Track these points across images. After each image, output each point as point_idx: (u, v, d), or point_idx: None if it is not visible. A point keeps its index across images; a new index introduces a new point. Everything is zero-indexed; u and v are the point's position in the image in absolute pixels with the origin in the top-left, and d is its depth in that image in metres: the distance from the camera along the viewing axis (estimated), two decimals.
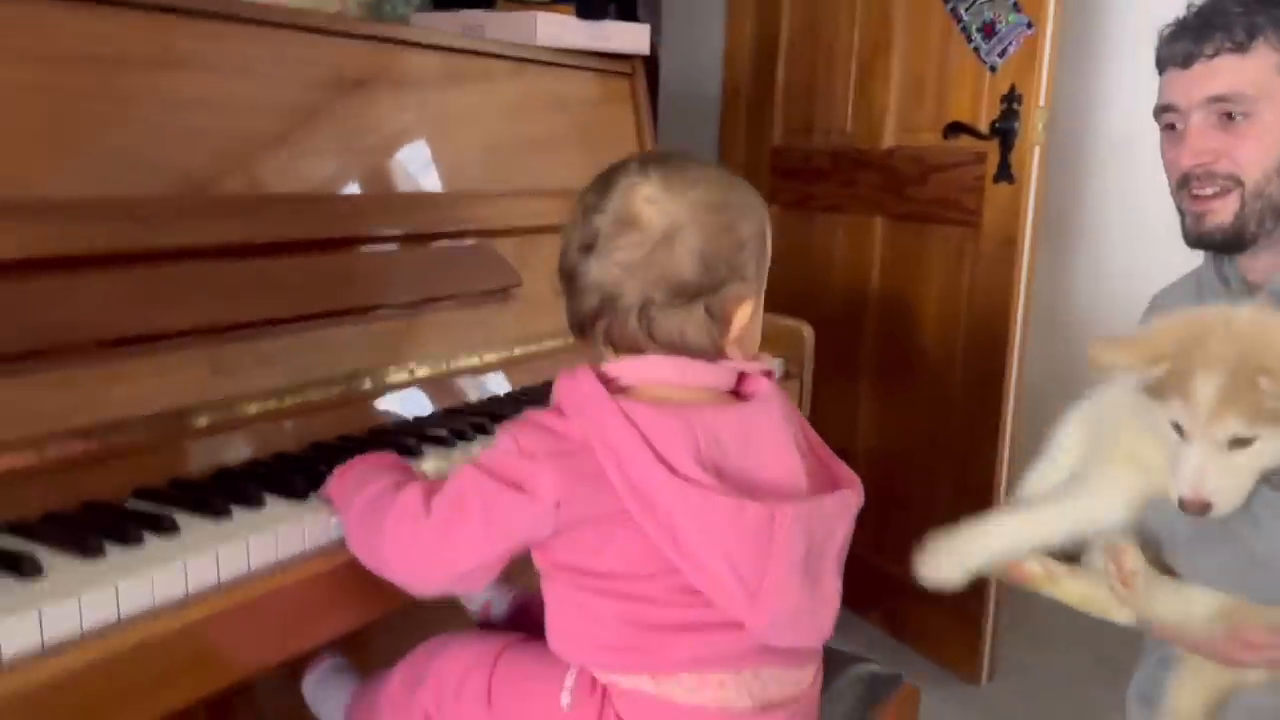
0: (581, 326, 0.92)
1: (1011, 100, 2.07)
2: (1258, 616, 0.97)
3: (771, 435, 0.90)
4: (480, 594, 1.18)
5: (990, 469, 2.20)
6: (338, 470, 0.95)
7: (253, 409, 1.05)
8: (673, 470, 0.81)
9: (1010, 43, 2.07)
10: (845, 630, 1.06)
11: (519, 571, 0.92)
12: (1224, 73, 1.12)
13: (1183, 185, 1.17)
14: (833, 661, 1.16)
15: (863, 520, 2.49)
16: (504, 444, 0.85)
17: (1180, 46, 1.15)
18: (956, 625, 2.32)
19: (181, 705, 0.79)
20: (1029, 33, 2.04)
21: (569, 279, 0.91)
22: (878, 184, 2.42)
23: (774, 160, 2.75)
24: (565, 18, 1.62)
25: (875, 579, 2.40)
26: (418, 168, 1.35)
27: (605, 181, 0.91)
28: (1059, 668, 2.28)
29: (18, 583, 0.76)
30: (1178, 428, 0.92)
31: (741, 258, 0.89)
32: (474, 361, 1.32)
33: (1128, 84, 2.34)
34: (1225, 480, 0.90)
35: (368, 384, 1.18)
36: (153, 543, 0.84)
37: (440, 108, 1.40)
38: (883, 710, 1.15)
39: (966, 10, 2.15)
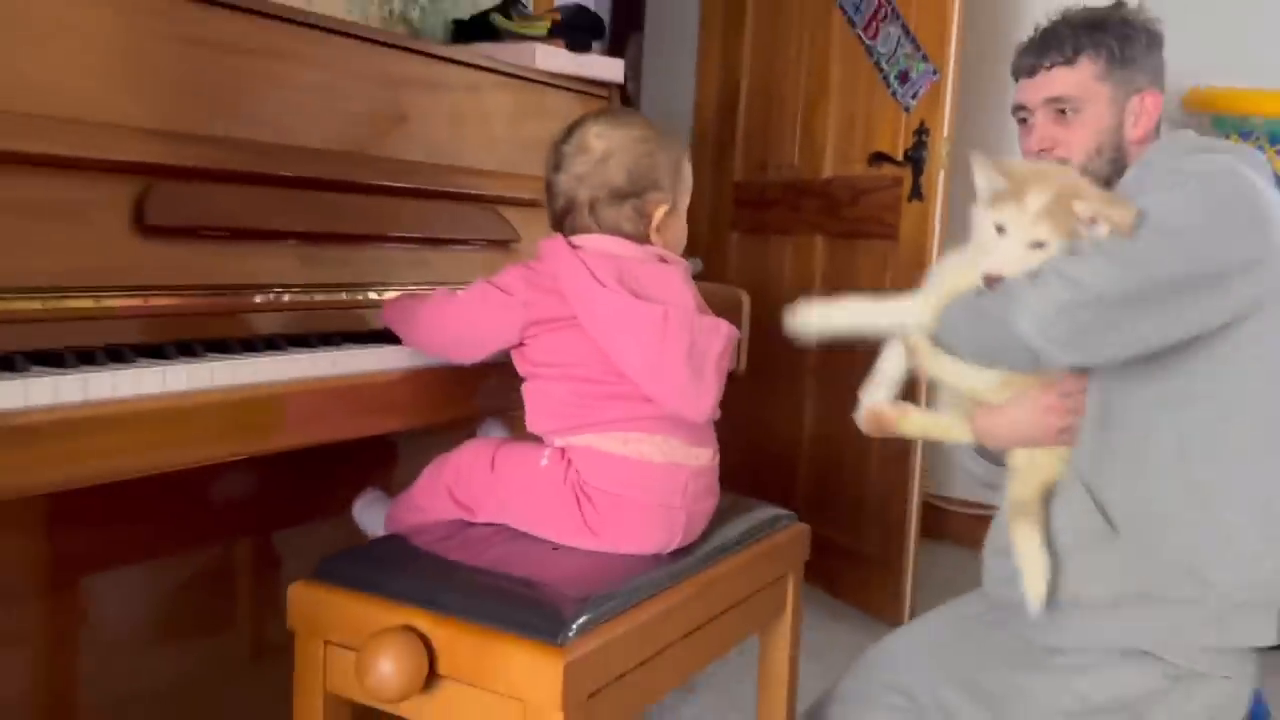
0: (558, 222, 1.38)
1: (922, 133, 2.54)
2: (1025, 381, 1.34)
3: (673, 282, 1.35)
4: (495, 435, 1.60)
5: (907, 443, 2.61)
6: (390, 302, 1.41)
7: (325, 296, 1.48)
8: (601, 284, 1.26)
9: (920, 87, 2.55)
10: None
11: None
12: (1057, 80, 1.40)
13: None
14: (741, 503, 1.56)
15: (805, 495, 2.89)
16: (502, 271, 1.33)
17: (1027, 60, 1.44)
18: (881, 579, 2.70)
19: (275, 449, 1.20)
20: (935, 79, 2.52)
21: (548, 188, 1.39)
22: (819, 208, 2.88)
23: (736, 194, 3.21)
24: (557, 49, 2.08)
25: (817, 546, 2.78)
26: (445, 146, 1.80)
27: (571, 126, 1.40)
28: None
29: (170, 361, 1.16)
30: (1000, 229, 1.29)
31: (657, 174, 1.36)
32: None
33: None
34: (1018, 268, 1.27)
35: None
36: (266, 353, 1.26)
37: (462, 106, 1.86)
38: (773, 539, 1.53)
39: (886, 63, 2.64)
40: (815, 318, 1.41)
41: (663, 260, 1.36)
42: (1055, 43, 1.41)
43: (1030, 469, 1.38)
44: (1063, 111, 1.41)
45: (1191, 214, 1.25)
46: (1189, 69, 2.66)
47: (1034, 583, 1.30)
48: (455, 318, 1.33)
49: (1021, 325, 1.23)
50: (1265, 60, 2.70)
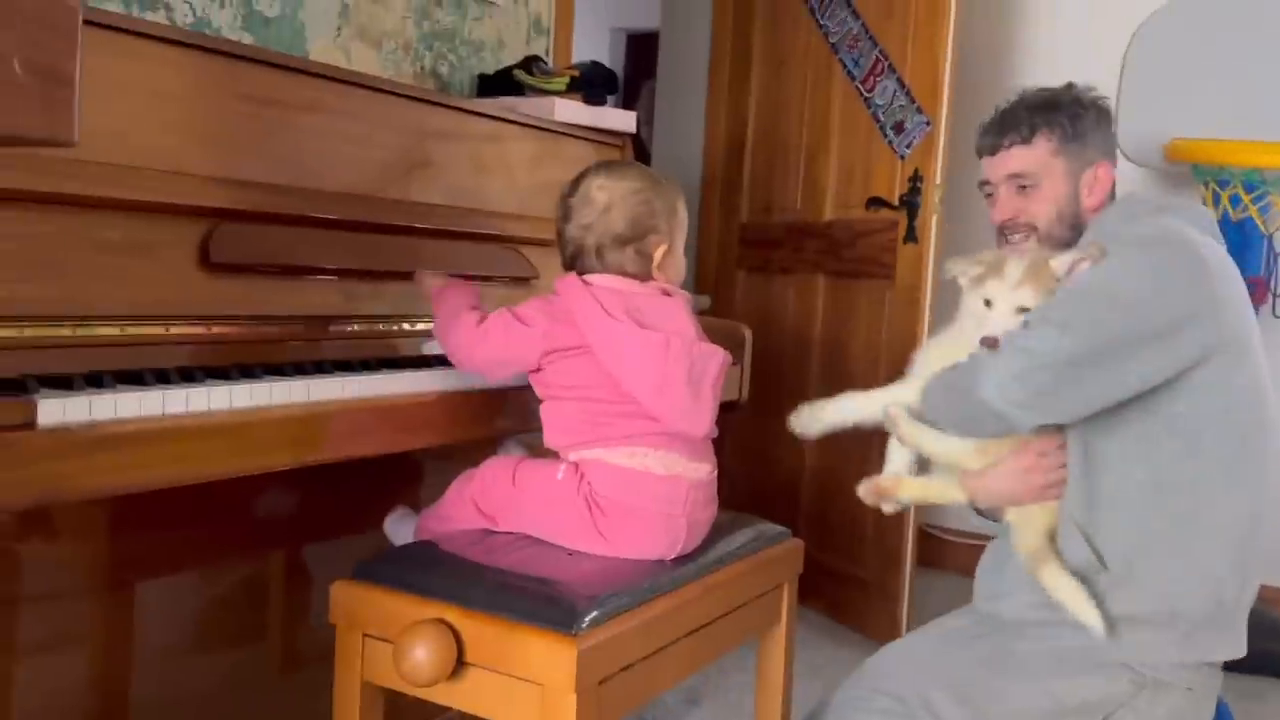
0: (569, 266, 1.55)
1: (916, 180, 2.70)
2: (999, 446, 1.45)
3: (675, 313, 1.50)
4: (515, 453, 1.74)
5: None
6: (437, 287, 1.59)
7: (364, 326, 1.64)
8: (611, 316, 1.42)
9: (915, 136, 2.71)
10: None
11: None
12: (1016, 158, 1.53)
13: (1000, 234, 1.64)
14: (742, 519, 1.71)
15: (808, 523, 3.03)
16: (524, 304, 1.49)
17: (987, 140, 1.57)
18: (879, 603, 2.82)
19: (324, 460, 1.35)
20: (928, 129, 2.68)
21: (558, 236, 1.56)
22: (820, 249, 3.03)
23: (742, 234, 3.37)
24: (575, 103, 2.25)
25: (818, 571, 2.91)
26: (471, 191, 1.97)
27: (576, 179, 1.57)
28: None
29: (234, 381, 1.32)
30: (988, 303, 1.40)
31: (655, 220, 1.52)
32: None
33: None
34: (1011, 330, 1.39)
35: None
36: (315, 375, 1.42)
37: (489, 155, 2.02)
38: (770, 552, 1.67)
39: (883, 113, 2.81)
40: (813, 417, 1.55)
41: (666, 294, 1.51)
42: (1013, 123, 1.54)
43: (1026, 523, 1.48)
44: (1023, 186, 1.53)
45: (1130, 279, 1.37)
46: (1170, 121, 2.83)
47: (1083, 611, 1.37)
48: (484, 343, 1.49)
49: (984, 394, 1.35)
50: (1242, 112, 2.85)
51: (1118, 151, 1.59)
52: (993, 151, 1.57)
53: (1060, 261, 1.40)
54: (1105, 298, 1.36)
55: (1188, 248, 1.38)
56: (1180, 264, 1.37)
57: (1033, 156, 1.53)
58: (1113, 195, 1.57)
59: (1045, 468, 1.45)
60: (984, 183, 1.61)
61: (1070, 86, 1.57)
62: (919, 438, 1.49)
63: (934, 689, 1.49)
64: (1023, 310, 1.39)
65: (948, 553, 3.37)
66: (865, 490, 1.56)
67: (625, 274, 1.50)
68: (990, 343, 1.38)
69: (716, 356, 1.50)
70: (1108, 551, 1.41)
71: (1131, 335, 1.34)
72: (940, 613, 1.67)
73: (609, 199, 1.50)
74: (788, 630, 1.71)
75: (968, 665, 1.51)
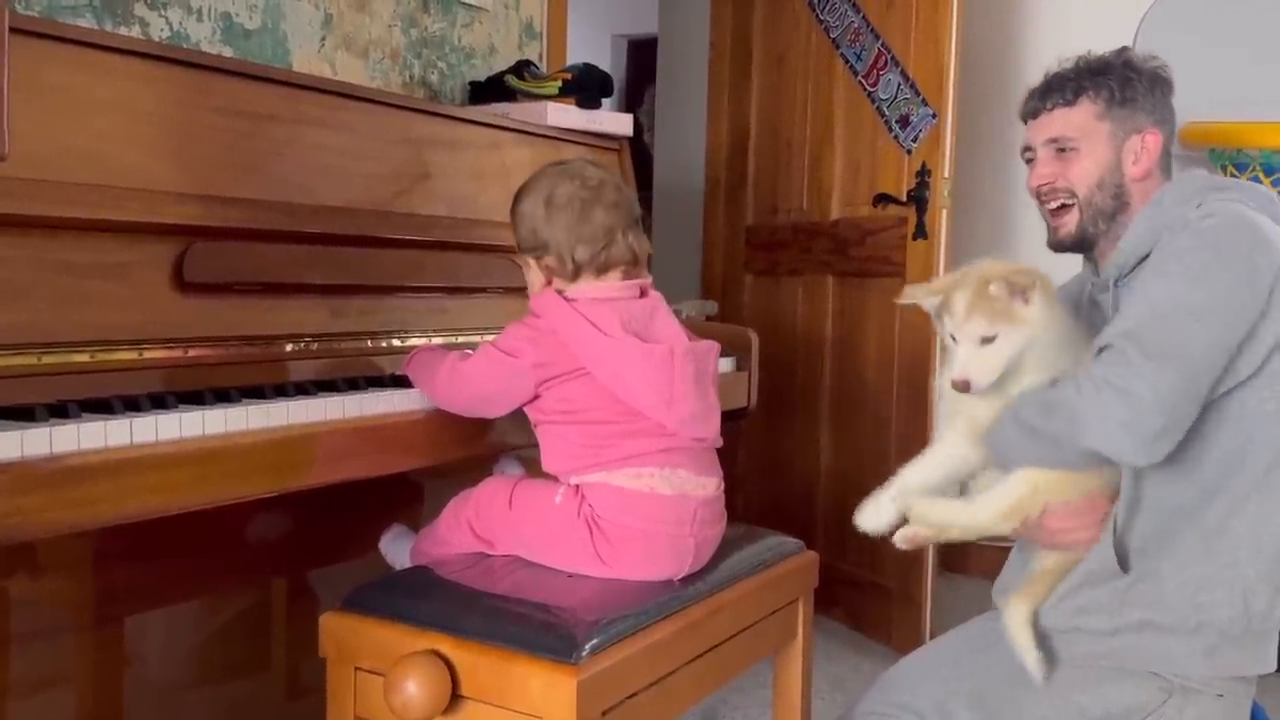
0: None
1: (924, 174, 2.62)
2: (1035, 502, 1.36)
3: (664, 315, 1.44)
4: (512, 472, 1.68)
5: None
6: (412, 353, 1.50)
7: (351, 344, 1.58)
8: (606, 334, 1.34)
9: (921, 130, 2.64)
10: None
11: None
12: (1058, 120, 1.46)
13: (1039, 201, 1.56)
14: (752, 532, 1.63)
15: (825, 530, 2.95)
16: (505, 334, 1.40)
17: (1032, 104, 1.50)
18: (901, 611, 2.74)
19: (308, 485, 1.28)
20: (934, 122, 2.60)
21: (527, 270, 1.48)
22: (828, 249, 2.96)
23: (748, 236, 3.30)
24: (568, 107, 2.19)
25: (837, 579, 2.84)
26: (464, 200, 1.90)
27: (514, 211, 1.51)
28: None
29: (208, 406, 1.26)
30: (953, 338, 1.35)
31: (606, 219, 1.42)
32: None
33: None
34: (980, 366, 1.32)
35: (430, 340, 1.70)
36: (297, 397, 1.35)
37: (480, 163, 1.96)
38: (783, 566, 1.59)
39: (888, 107, 2.73)
40: (877, 511, 1.42)
41: (643, 293, 1.45)
42: (1058, 85, 1.48)
43: (1063, 562, 1.41)
44: (1063, 149, 1.47)
45: (1203, 283, 1.29)
46: (1185, 104, 2.74)
47: (1023, 648, 1.35)
48: (471, 384, 1.41)
49: (1090, 443, 1.27)
50: (1260, 93, 2.77)
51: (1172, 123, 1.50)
52: (1035, 115, 1.51)
53: (996, 285, 1.32)
54: (1187, 313, 1.28)
55: (1252, 231, 1.31)
56: (1246, 250, 1.30)
57: (1075, 119, 1.46)
58: (1167, 166, 1.49)
59: (1081, 526, 1.38)
60: (1025, 149, 1.54)
61: (1124, 50, 1.49)
62: (952, 528, 1.40)
63: (952, 699, 1.44)
64: (985, 340, 1.31)
65: (971, 557, 3.27)
66: (902, 538, 1.43)
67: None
68: (959, 385, 1.32)
69: (713, 351, 1.44)
70: (1134, 550, 1.35)
71: (1224, 342, 1.28)
72: (965, 619, 1.61)
73: (555, 225, 1.43)
74: (804, 646, 1.63)
75: (986, 674, 1.46)
